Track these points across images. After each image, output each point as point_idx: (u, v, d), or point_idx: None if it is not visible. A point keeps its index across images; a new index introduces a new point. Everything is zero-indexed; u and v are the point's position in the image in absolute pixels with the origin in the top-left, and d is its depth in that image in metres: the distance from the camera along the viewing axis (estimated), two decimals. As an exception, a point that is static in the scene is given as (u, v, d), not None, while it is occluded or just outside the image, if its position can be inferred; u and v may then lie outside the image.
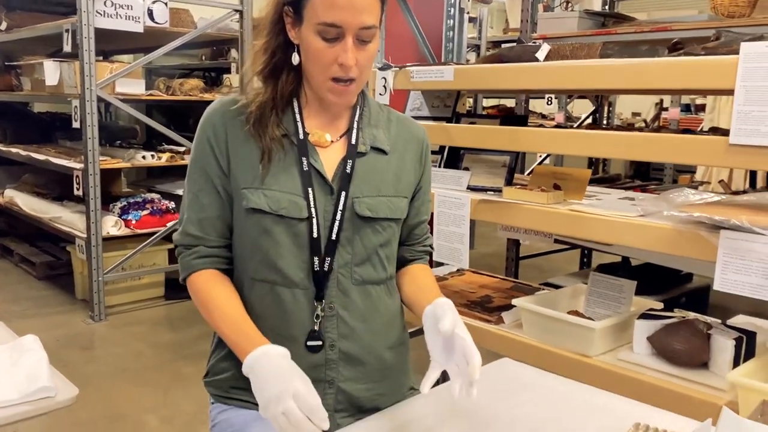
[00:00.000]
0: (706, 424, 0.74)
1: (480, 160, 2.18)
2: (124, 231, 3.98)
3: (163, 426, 2.68)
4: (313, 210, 1.13)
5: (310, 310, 1.15)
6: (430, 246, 1.35)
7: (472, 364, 1.01)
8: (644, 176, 5.09)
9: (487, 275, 2.44)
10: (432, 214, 2.03)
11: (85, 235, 3.77)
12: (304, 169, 1.14)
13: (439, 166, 2.25)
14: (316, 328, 1.14)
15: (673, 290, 3.18)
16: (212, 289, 1.15)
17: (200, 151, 1.17)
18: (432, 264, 1.83)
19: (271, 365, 1.01)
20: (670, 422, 1.10)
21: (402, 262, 1.29)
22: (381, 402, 1.22)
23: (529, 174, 2.66)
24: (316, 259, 1.14)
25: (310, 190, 1.13)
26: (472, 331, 1.07)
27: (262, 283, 1.15)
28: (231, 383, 1.19)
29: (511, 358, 1.43)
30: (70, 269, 4.22)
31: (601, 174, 3.84)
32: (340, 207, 1.15)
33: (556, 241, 2.84)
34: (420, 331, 1.13)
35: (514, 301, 1.87)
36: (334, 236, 1.14)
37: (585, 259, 4.11)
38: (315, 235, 1.13)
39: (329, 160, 1.17)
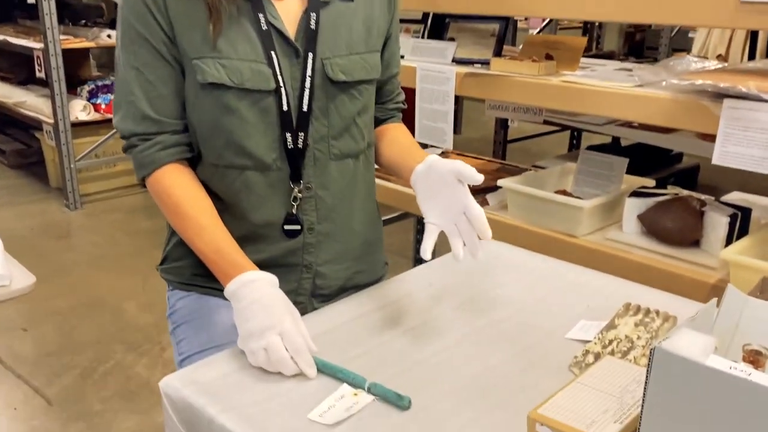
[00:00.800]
0: (711, 304, 0.66)
1: (466, 29, 2.01)
2: (94, 116, 3.80)
3: (142, 313, 2.65)
4: (280, 78, 0.98)
5: (286, 193, 1.03)
6: (402, 102, 1.23)
7: (480, 221, 0.91)
8: (638, 53, 4.89)
9: (473, 157, 2.34)
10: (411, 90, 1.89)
11: (52, 121, 3.60)
12: (263, 28, 0.98)
13: (422, 37, 2.08)
14: (294, 211, 1.04)
15: (663, 170, 3.10)
16: (182, 193, 0.99)
17: (134, 15, 0.96)
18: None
19: (258, 294, 0.90)
20: (661, 302, 1.03)
21: (374, 124, 1.16)
22: (360, 280, 1.14)
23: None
24: (288, 135, 1.00)
25: (273, 54, 0.98)
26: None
27: (227, 169, 1.02)
28: (192, 270, 1.09)
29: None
30: (42, 157, 4.07)
31: (595, 51, 3.66)
32: (309, 72, 1.00)
33: (546, 122, 2.71)
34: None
35: (499, 182, 1.78)
36: (305, 107, 1.00)
37: (574, 141, 4.00)
38: (285, 108, 0.99)
39: (288, 14, 1.00)
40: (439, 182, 0.94)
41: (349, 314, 1.02)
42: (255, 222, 1.04)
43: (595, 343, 0.89)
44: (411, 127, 1.31)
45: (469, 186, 0.92)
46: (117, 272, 3.01)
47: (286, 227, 1.04)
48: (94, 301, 2.75)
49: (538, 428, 0.64)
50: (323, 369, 0.86)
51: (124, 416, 2.04)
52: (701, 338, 0.55)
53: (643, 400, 0.55)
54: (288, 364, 0.84)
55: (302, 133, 1.01)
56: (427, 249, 0.92)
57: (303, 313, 0.97)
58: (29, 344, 2.44)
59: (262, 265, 0.96)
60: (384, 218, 1.29)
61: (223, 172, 1.02)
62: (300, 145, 1.01)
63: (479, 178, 0.90)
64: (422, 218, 0.95)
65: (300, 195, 1.03)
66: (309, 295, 1.09)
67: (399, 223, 2.82)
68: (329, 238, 1.08)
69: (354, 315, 1.01)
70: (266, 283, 0.92)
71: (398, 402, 0.78)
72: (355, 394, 0.80)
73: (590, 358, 0.85)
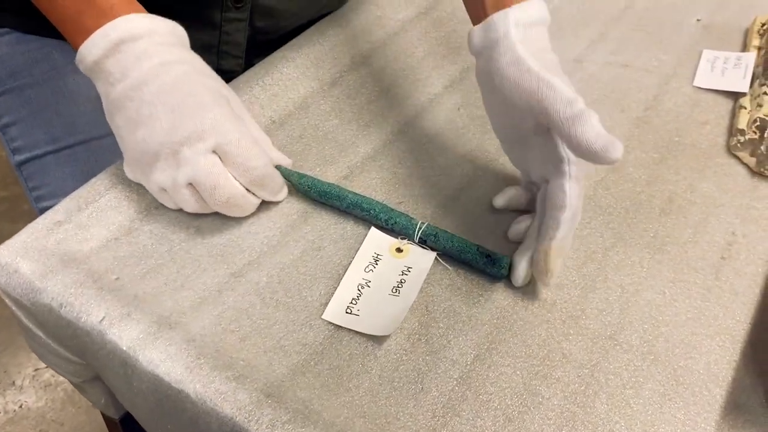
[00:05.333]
0: None
1: None
2: None
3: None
4: None
5: None
6: None
7: (552, 221, 0.39)
8: None
9: None
10: None
11: None
12: None
13: None
14: None
15: None
16: None
17: None
18: None
19: (151, 66, 0.41)
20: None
21: None
22: (307, 14, 0.64)
23: None
24: None
25: None
26: None
27: None
28: None
29: None
30: None
31: None
32: None
33: None
34: None
35: None
36: None
37: None
38: None
39: None
40: (505, 102, 0.41)
41: (321, 68, 0.56)
42: None
43: (756, 101, 0.52)
44: None
45: None
46: None
47: None
48: None
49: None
50: (321, 197, 0.45)
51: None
52: None
53: None
54: (243, 202, 0.43)
55: None
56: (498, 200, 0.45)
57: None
58: None
59: (156, 8, 0.45)
60: None
61: None
62: None
63: (612, 157, 0.36)
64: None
65: None
66: (243, 48, 0.60)
67: None
68: None
69: (333, 72, 0.56)
70: (164, 39, 0.43)
71: (488, 267, 0.41)
72: (399, 250, 0.43)
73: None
